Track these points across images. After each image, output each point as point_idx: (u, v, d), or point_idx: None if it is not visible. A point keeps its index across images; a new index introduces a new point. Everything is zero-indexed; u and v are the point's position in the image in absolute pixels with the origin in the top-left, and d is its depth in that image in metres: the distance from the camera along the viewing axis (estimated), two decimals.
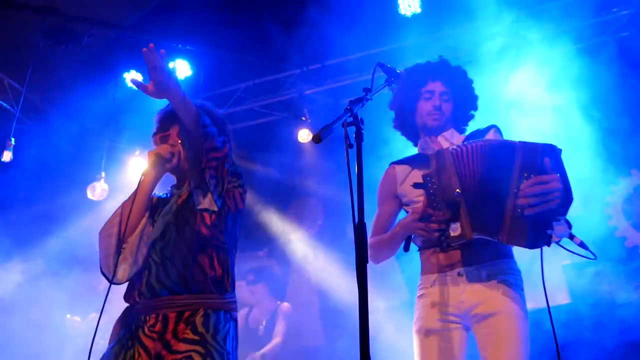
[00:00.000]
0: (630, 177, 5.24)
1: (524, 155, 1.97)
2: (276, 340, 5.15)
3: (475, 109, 2.53)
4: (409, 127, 2.52)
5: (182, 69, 5.83)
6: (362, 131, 1.74)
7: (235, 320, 2.27)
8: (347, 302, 5.44)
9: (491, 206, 2.01)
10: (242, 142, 6.12)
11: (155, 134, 2.46)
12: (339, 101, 5.91)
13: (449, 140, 2.39)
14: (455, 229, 2.03)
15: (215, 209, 2.21)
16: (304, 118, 5.94)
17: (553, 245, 2.01)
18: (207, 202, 2.22)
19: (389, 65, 2.23)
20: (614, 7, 5.16)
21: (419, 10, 5.26)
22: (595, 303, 4.86)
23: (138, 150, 6.17)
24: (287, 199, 6.26)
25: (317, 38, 5.52)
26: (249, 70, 6.21)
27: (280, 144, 5.97)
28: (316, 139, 1.66)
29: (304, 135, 5.83)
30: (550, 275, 5.60)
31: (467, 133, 2.47)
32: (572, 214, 6.01)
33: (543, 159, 1.94)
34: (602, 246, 4.94)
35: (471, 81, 2.52)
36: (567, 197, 1.94)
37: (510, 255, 2.26)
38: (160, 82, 2.02)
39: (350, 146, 1.67)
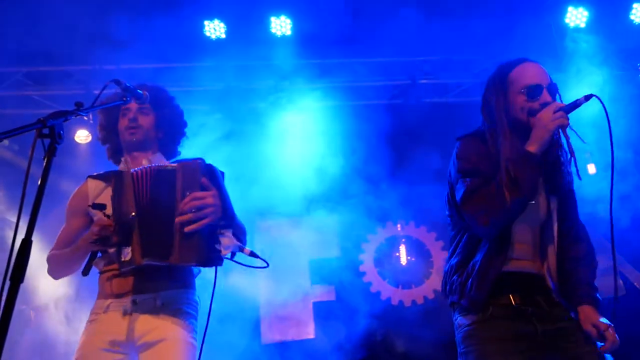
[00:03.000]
0: (385, 229, 5.80)
1: (184, 176, 2.03)
2: None
3: (182, 132, 2.54)
4: (114, 149, 2.47)
5: None
6: (57, 145, 1.62)
7: None
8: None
9: (162, 230, 2.01)
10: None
11: None
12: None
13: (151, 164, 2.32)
14: (126, 254, 1.99)
15: None
16: (85, 117, 5.56)
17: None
18: None
19: (127, 84, 2.09)
20: (396, 75, 5.76)
21: (223, 36, 5.34)
22: (338, 339, 5.23)
23: None
24: (53, 203, 5.73)
25: (117, 40, 5.27)
26: (36, 56, 5.67)
27: None
28: None
29: (82, 136, 5.49)
30: (301, 310, 5.83)
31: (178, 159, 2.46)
32: (330, 255, 6.27)
33: (202, 177, 2.02)
34: (351, 289, 5.37)
35: (176, 104, 2.53)
36: (226, 212, 2.03)
37: (189, 286, 2.26)
38: None
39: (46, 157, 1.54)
